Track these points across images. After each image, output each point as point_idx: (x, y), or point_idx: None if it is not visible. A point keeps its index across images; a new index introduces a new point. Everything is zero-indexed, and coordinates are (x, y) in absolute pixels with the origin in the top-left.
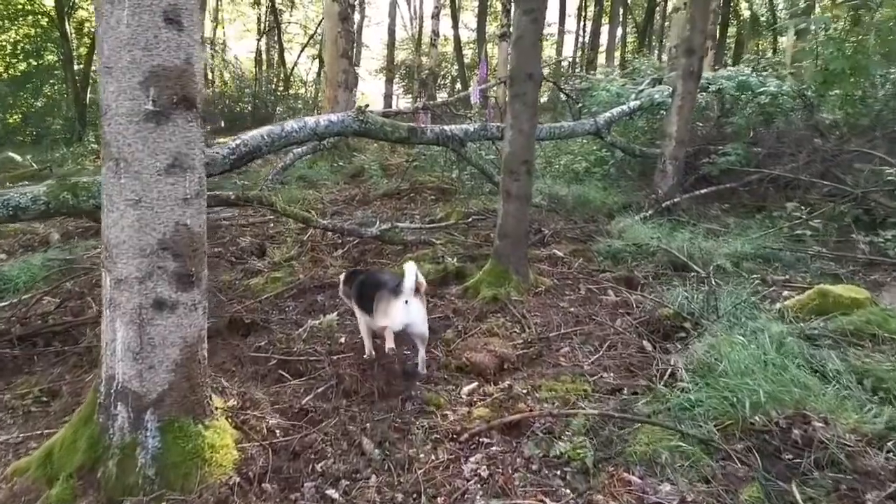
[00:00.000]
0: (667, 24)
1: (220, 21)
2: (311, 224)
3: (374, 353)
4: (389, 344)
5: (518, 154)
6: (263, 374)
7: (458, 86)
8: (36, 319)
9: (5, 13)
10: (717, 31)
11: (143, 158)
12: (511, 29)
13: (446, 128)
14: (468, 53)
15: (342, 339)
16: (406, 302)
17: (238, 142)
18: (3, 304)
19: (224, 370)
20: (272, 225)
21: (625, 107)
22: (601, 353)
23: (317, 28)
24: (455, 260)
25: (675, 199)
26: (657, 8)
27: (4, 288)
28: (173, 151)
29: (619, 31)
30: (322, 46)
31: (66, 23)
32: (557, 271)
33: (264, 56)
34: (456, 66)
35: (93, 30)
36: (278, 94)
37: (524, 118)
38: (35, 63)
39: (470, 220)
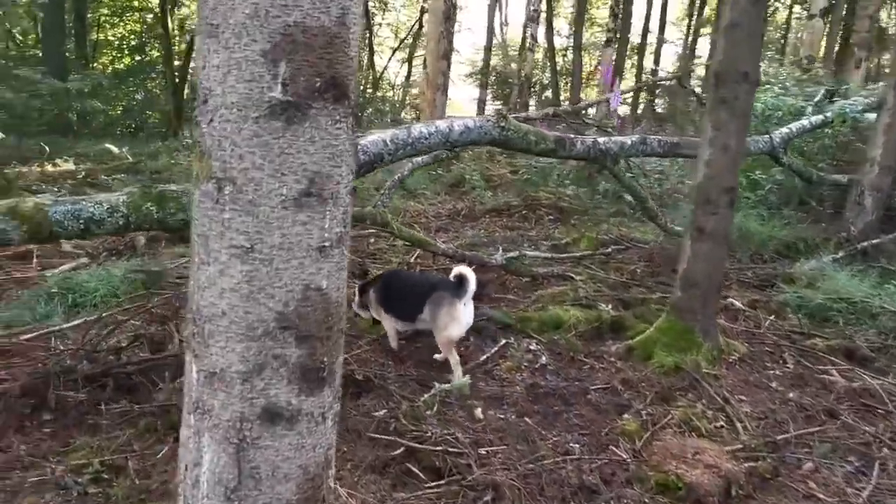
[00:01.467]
0: (797, 34)
1: None
2: (430, 249)
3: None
4: (454, 356)
5: (719, 178)
6: (385, 463)
7: (548, 93)
8: (108, 355)
9: (113, 9)
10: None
11: (261, 180)
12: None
13: (599, 140)
14: (559, 61)
15: (478, 411)
16: (465, 304)
17: (356, 148)
18: (75, 322)
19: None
20: (373, 240)
21: (805, 122)
22: (872, 479)
23: (409, 32)
24: (610, 307)
25: (875, 240)
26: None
27: (81, 301)
28: (310, 170)
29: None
30: (412, 48)
31: (169, 19)
32: (742, 329)
33: None
34: (548, 73)
35: (193, 27)
36: (367, 96)
37: (731, 131)
38: (138, 58)
39: (609, 250)
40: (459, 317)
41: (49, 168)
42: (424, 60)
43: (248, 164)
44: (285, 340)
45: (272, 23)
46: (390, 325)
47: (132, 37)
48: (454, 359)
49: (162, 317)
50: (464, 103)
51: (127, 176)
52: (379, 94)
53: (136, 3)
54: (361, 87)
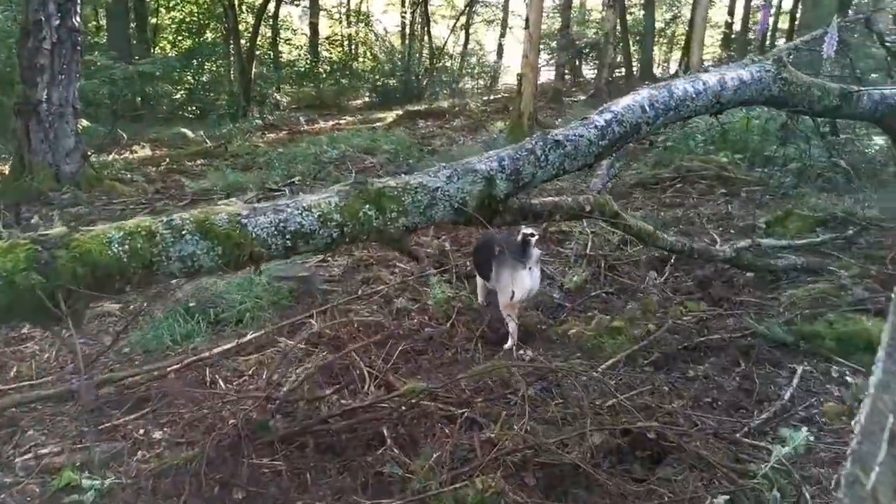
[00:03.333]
0: None
1: None
2: (658, 244)
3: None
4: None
5: None
6: None
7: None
8: (305, 404)
9: None
10: None
11: None
12: None
13: (886, 91)
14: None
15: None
16: (529, 269)
17: (609, 117)
18: (226, 346)
19: None
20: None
21: None
22: None
23: (469, 3)
24: None
25: None
26: None
27: (224, 316)
28: None
29: None
30: (469, 17)
31: None
32: None
33: (407, 29)
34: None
35: (253, 4)
36: (426, 68)
37: None
38: (199, 39)
39: (850, 232)
40: (520, 282)
41: (128, 155)
42: (526, 20)
43: None
44: None
45: None
46: (480, 282)
47: (192, 18)
48: (512, 325)
49: (335, 339)
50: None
51: (210, 161)
52: (438, 64)
53: None
54: (419, 58)
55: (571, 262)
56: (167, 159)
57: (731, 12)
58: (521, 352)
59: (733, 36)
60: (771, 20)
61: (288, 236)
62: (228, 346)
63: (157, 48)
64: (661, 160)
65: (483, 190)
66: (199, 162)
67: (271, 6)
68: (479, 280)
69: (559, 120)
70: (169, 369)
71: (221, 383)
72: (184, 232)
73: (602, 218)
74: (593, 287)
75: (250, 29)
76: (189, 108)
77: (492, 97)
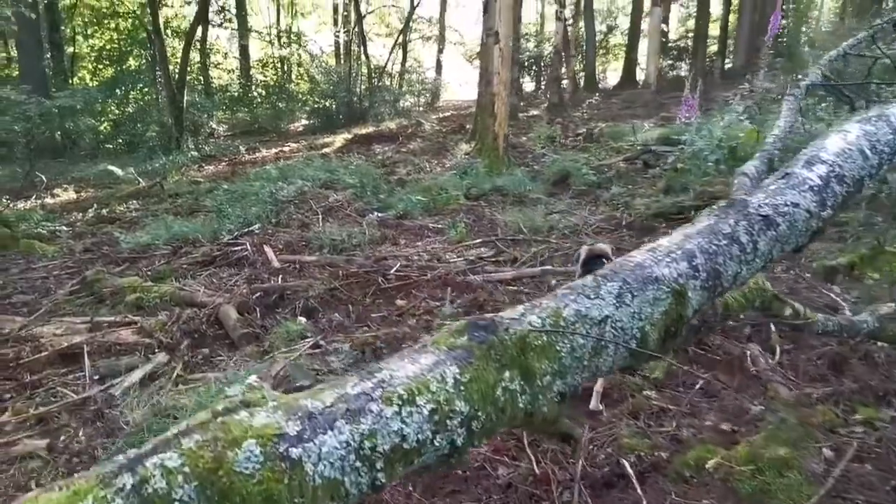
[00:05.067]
0: None
1: (296, 14)
2: (810, 328)
3: None
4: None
5: None
6: None
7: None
8: None
9: (92, 20)
10: None
11: None
12: None
13: None
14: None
15: None
16: None
17: (824, 171)
18: None
19: None
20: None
21: None
22: None
23: (407, 20)
24: None
25: None
26: None
27: None
28: None
29: None
30: (405, 33)
31: (158, 20)
32: None
33: (342, 49)
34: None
35: (178, 28)
36: (368, 87)
37: None
38: (121, 68)
39: None
40: None
41: (48, 199)
42: (495, 34)
43: None
44: None
45: None
46: None
47: (111, 46)
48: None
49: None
50: (455, 87)
51: (145, 203)
52: (378, 83)
53: (115, 9)
54: (354, 76)
55: None
56: (95, 204)
57: (665, 21)
58: None
59: (670, 45)
60: (781, 21)
61: (379, 464)
62: None
63: (76, 78)
64: (673, 185)
65: (670, 311)
66: (133, 205)
67: (199, 30)
68: None
69: (524, 138)
70: None
71: None
72: (176, 500)
73: (772, 316)
74: (681, 369)
75: (177, 54)
76: (116, 142)
77: (441, 115)
